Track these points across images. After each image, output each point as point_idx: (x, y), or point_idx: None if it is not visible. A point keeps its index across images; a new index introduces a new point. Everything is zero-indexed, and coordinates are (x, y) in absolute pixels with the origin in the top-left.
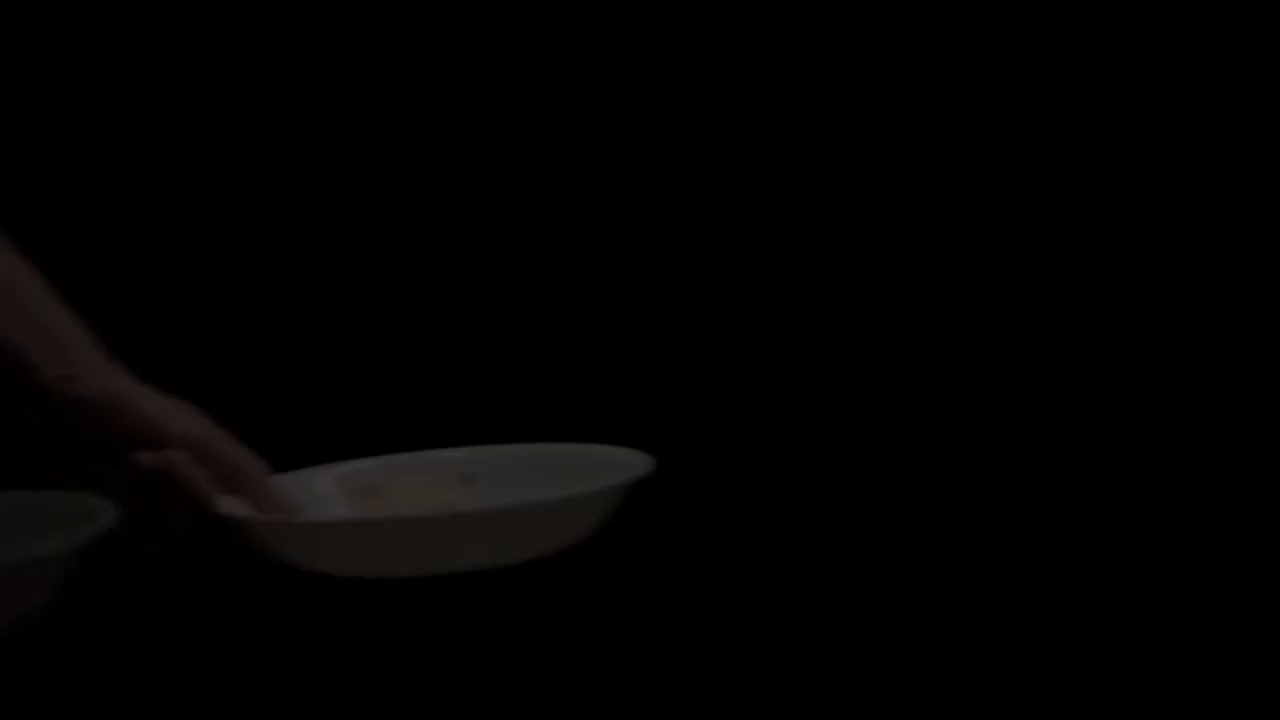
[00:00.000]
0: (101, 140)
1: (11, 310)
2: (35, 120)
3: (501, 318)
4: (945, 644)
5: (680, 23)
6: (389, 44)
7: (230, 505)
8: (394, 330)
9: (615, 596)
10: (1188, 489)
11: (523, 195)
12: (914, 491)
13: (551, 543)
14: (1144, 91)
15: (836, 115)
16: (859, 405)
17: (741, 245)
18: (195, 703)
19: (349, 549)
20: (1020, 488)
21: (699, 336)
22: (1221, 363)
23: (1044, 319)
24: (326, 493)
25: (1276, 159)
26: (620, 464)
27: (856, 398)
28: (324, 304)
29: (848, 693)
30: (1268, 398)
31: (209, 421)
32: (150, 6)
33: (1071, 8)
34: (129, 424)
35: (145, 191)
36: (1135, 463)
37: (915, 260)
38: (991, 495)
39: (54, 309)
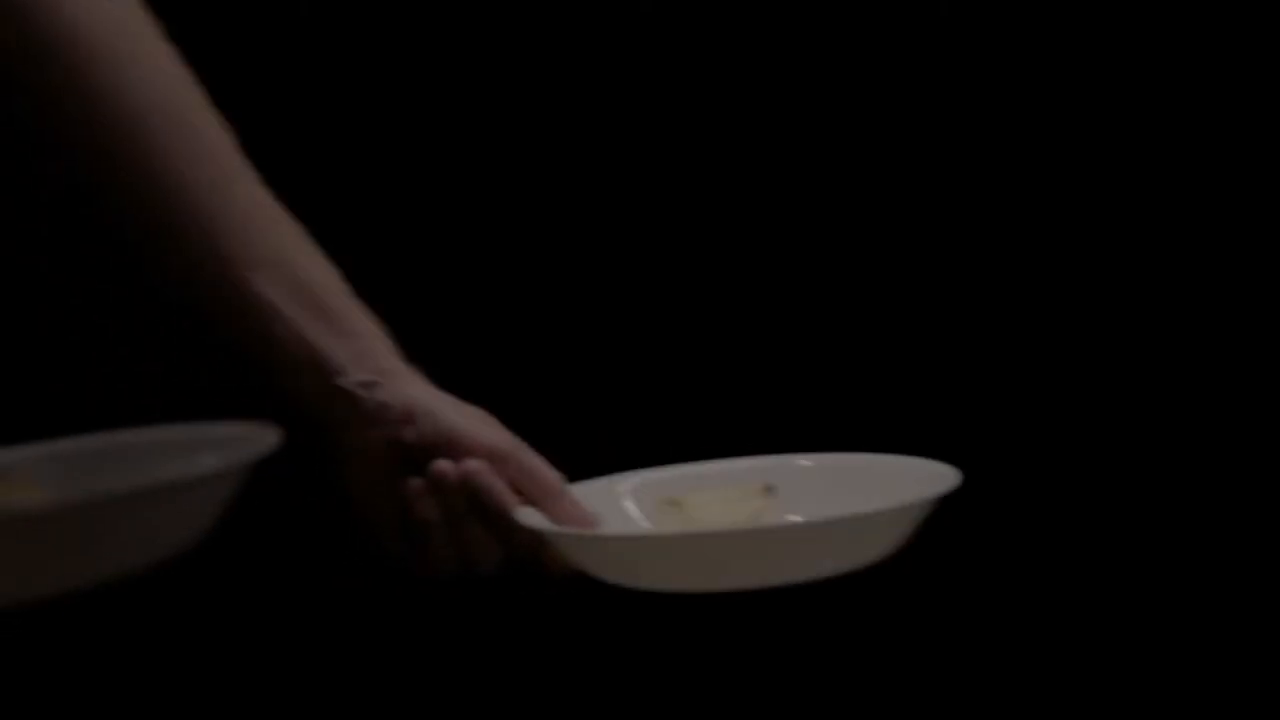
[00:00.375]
0: (398, 143)
1: (320, 315)
2: (331, 125)
3: (802, 324)
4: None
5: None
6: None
7: (530, 517)
8: (692, 336)
9: (912, 618)
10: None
11: (813, 210)
12: (1233, 506)
13: (857, 559)
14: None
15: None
16: (1167, 416)
17: (1051, 250)
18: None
19: (651, 563)
20: None
21: (1008, 344)
22: None
23: None
24: (625, 503)
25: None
26: (927, 477)
27: (1166, 408)
28: (620, 309)
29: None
30: None
31: (508, 431)
32: None
33: (1071, 8)
34: (429, 432)
35: (442, 197)
36: None
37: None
38: None
39: (359, 314)
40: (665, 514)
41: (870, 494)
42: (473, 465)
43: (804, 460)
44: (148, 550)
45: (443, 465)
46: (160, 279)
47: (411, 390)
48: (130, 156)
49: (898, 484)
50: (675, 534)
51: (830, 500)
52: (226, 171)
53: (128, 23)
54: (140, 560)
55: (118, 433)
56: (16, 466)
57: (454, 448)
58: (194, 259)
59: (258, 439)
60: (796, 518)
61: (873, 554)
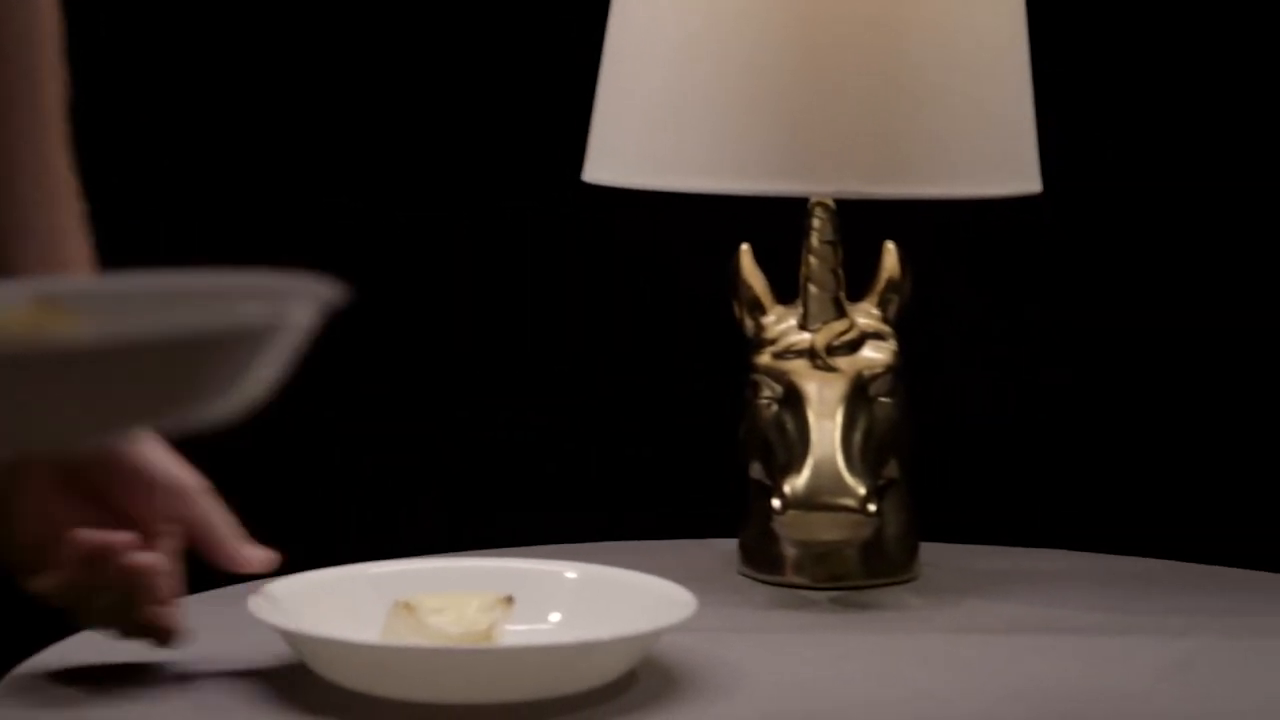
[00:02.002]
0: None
1: None
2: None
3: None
4: None
5: None
6: None
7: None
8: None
9: None
10: None
11: None
12: None
13: (579, 683)
14: None
15: None
16: None
17: None
18: None
19: (364, 671)
20: None
21: None
22: None
23: None
24: (367, 594)
25: None
26: (668, 602)
27: None
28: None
29: None
30: None
31: (193, 470)
32: None
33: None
34: (126, 461)
35: None
36: None
37: None
38: None
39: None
40: (397, 617)
41: (610, 613)
42: (144, 560)
43: (553, 568)
44: (190, 406)
45: (120, 541)
46: None
47: None
48: None
49: (638, 604)
50: (383, 645)
51: (571, 617)
52: (44, 124)
53: None
54: (180, 417)
55: (170, 272)
56: (64, 295)
57: (132, 473)
58: None
59: (312, 293)
60: (533, 631)
61: (596, 679)
